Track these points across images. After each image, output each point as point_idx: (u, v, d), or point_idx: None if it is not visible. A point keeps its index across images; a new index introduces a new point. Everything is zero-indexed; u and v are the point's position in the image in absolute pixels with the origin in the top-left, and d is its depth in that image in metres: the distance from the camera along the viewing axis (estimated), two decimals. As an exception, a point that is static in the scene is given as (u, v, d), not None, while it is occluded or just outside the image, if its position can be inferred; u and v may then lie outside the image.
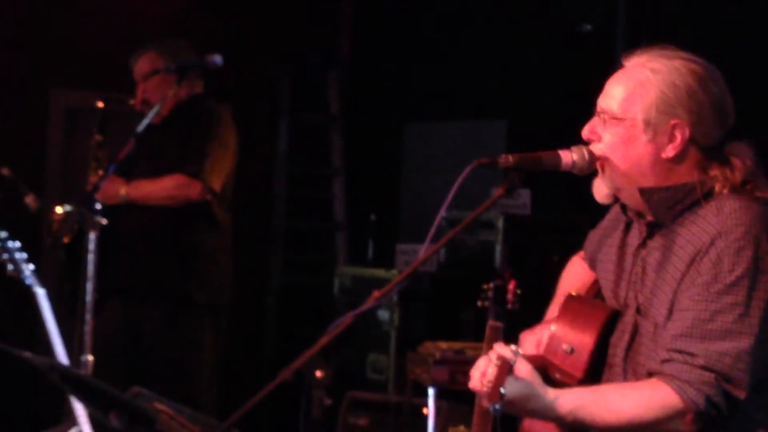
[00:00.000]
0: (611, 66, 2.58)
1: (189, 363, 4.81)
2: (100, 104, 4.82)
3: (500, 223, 5.75)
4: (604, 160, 2.49)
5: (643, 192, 2.48)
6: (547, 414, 2.38)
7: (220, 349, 5.08)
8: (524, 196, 5.81)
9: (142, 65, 4.87)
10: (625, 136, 2.45)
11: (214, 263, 4.88)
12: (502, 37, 6.60)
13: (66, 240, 4.65)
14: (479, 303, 3.22)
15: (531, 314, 2.89)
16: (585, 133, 2.51)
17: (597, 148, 2.50)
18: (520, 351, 2.34)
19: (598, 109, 2.51)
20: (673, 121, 2.42)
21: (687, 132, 2.43)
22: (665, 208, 2.46)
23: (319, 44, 7.39)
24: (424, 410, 4.84)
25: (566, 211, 5.47)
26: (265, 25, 7.08)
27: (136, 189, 4.72)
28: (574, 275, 2.87)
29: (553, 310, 2.77)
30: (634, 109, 2.44)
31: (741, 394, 2.33)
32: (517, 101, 6.45)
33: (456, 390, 4.71)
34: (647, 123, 2.43)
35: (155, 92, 4.78)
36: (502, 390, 2.24)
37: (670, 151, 2.44)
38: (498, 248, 5.77)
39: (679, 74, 2.43)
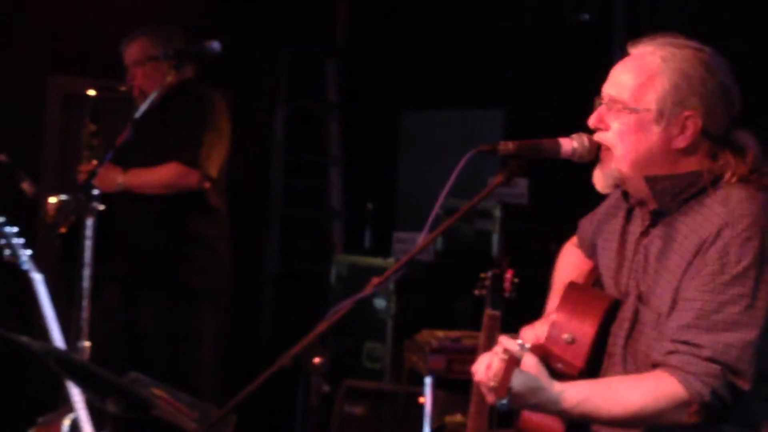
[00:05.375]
0: (609, 55, 2.58)
1: (189, 351, 4.80)
2: (92, 92, 4.77)
3: (497, 213, 5.74)
4: (611, 149, 2.46)
5: (648, 180, 2.46)
6: (554, 407, 2.37)
7: (220, 336, 5.07)
8: (521, 185, 5.81)
9: (132, 51, 4.84)
10: (636, 125, 2.42)
11: (211, 250, 4.88)
12: (500, 26, 6.59)
13: (63, 230, 4.63)
14: (476, 292, 3.23)
15: (528, 303, 2.90)
16: (592, 121, 2.48)
17: (604, 137, 2.47)
18: (527, 345, 2.32)
19: (605, 97, 2.47)
20: (686, 113, 2.40)
21: (699, 123, 2.41)
22: (670, 197, 2.45)
23: (316, 32, 7.37)
24: (421, 399, 4.84)
25: (563, 201, 5.45)
26: (262, 12, 7.06)
27: (133, 177, 4.70)
28: (570, 264, 2.86)
29: (553, 303, 2.76)
30: (647, 98, 2.41)
31: (745, 386, 2.33)
32: (515, 90, 6.44)
33: (453, 379, 4.71)
34: (661, 113, 2.41)
35: (150, 79, 4.75)
36: (510, 385, 2.23)
37: (680, 142, 2.42)
38: (495, 237, 5.76)
39: (691, 64, 2.41)
